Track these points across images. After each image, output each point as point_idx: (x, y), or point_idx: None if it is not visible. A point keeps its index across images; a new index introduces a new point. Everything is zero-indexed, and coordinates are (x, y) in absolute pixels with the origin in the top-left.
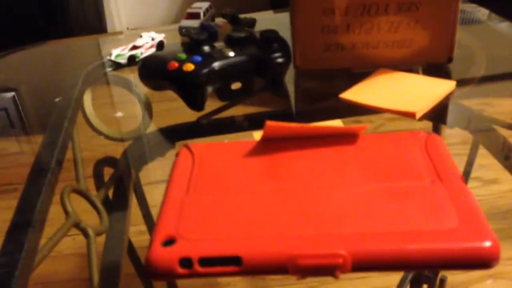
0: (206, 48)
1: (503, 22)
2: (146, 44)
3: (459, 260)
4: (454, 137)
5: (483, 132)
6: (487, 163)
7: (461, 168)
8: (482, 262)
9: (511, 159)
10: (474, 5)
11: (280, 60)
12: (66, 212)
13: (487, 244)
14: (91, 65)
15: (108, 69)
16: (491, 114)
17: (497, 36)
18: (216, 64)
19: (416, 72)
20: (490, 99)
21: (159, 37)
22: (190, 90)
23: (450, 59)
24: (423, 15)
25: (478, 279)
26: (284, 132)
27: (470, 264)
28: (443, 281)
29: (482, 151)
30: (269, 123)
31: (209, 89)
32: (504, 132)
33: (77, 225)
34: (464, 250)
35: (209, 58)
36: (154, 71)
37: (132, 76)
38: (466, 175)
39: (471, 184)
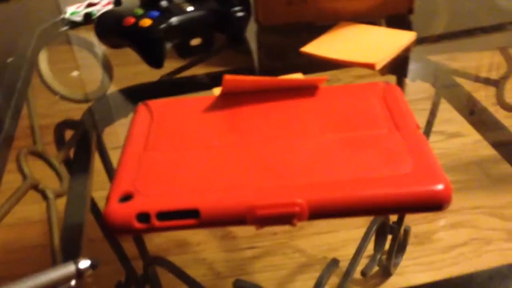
0: (164, 3)
1: None
2: (102, 1)
3: (413, 203)
4: (421, 92)
5: (447, 87)
6: (450, 117)
7: (424, 121)
8: (435, 204)
9: (475, 113)
10: None
11: (240, 14)
12: (23, 174)
13: (440, 186)
14: (45, 24)
15: (64, 28)
16: (455, 68)
17: None
18: (174, 19)
19: (378, 24)
20: (455, 53)
21: None
22: (148, 46)
23: (410, 10)
24: None
25: (441, 228)
26: (243, 85)
27: (423, 207)
28: (406, 231)
29: (445, 105)
30: (227, 77)
31: (168, 45)
32: (467, 86)
33: (35, 187)
34: (417, 193)
35: (166, 13)
36: (110, 28)
37: (90, 34)
38: (429, 127)
39: (434, 137)
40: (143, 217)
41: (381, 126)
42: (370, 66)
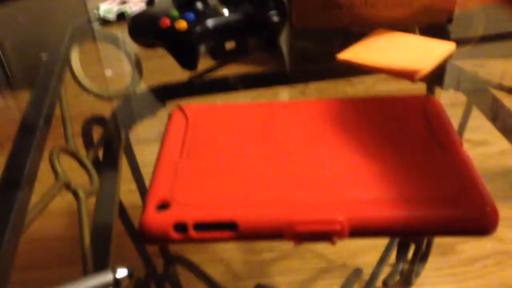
0: (199, 5)
1: None
2: None
3: (458, 226)
4: (444, 98)
5: (477, 94)
6: (476, 125)
7: None
8: (480, 228)
9: (498, 119)
10: None
11: (276, 19)
12: (55, 173)
13: (487, 210)
14: (77, 21)
15: (96, 24)
16: (483, 75)
17: None
18: (210, 23)
19: (413, 32)
20: (483, 60)
21: None
22: (183, 50)
23: (450, 20)
24: None
25: (464, 239)
26: None
27: (468, 231)
28: (429, 241)
29: (473, 113)
30: None
31: (202, 48)
32: (496, 93)
33: (67, 186)
34: (463, 216)
35: (202, 16)
36: (145, 28)
37: (121, 32)
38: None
39: None
40: (181, 227)
41: (422, 143)
42: (409, 77)
